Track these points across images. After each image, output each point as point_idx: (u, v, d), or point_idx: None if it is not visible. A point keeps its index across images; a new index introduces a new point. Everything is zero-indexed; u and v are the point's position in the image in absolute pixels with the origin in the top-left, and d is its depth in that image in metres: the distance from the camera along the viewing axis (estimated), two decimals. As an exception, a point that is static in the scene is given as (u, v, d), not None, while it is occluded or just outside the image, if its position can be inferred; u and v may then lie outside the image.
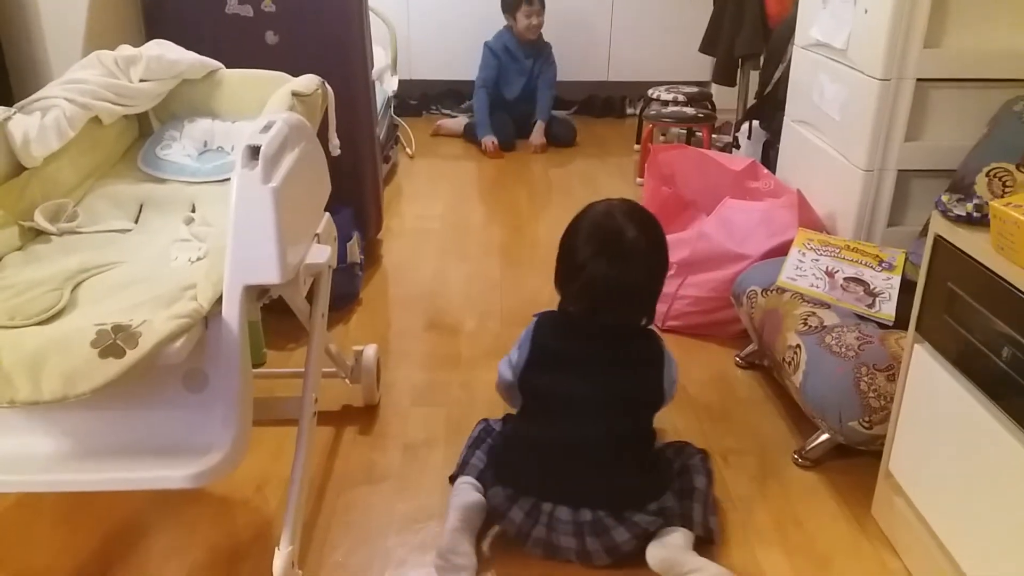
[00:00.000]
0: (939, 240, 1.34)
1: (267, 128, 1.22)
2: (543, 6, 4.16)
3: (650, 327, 1.53)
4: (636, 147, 4.08)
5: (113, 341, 1.03)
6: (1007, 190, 1.76)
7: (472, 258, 2.85)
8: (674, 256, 2.36)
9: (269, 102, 1.58)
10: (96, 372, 1.01)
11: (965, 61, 1.92)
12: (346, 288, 2.41)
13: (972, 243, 1.26)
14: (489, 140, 4.06)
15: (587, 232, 1.44)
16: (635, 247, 1.41)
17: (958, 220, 1.30)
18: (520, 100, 4.24)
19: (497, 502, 1.45)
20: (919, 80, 1.93)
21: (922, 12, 1.86)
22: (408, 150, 4.09)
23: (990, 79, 1.93)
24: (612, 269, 1.40)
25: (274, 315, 1.48)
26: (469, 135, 4.26)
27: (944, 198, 1.34)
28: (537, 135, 4.13)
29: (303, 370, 1.50)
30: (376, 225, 2.78)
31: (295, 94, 1.54)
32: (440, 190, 3.59)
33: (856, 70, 2.06)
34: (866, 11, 1.99)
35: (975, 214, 1.29)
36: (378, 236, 2.86)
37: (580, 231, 1.45)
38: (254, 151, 1.15)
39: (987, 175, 1.80)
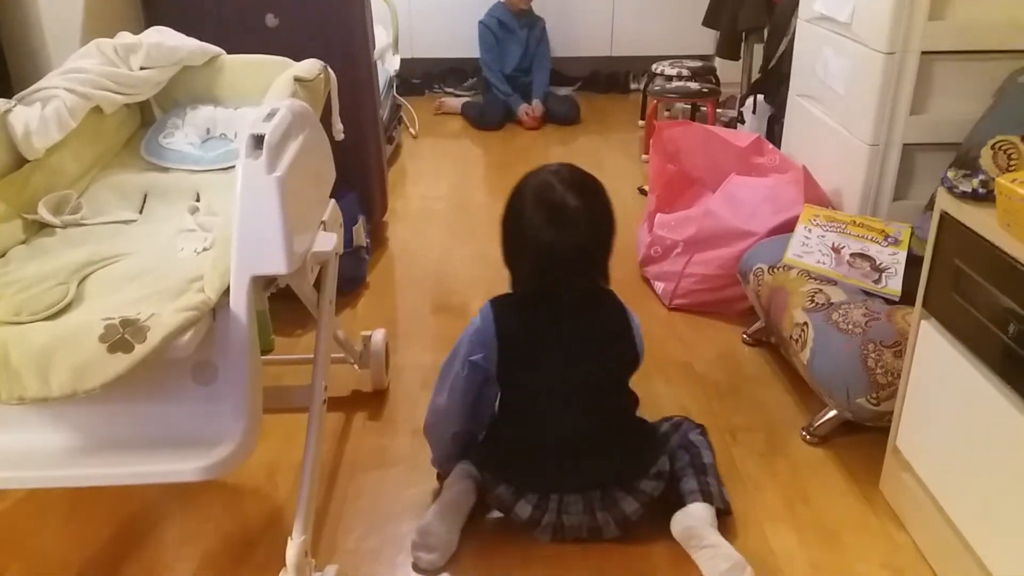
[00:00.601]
0: (945, 216, 1.34)
1: (270, 116, 1.21)
2: None
3: (608, 288, 1.48)
4: (640, 123, 4.06)
5: (121, 335, 1.03)
6: (1012, 163, 1.74)
7: (477, 238, 2.85)
8: (680, 234, 2.36)
9: (271, 88, 1.58)
10: (105, 367, 1.02)
11: (970, 33, 1.90)
12: (353, 272, 2.42)
13: (978, 219, 1.25)
14: (524, 109, 4.10)
15: (531, 204, 1.39)
16: (579, 212, 1.36)
17: (964, 197, 1.29)
18: (519, 71, 4.22)
19: (503, 499, 1.46)
20: (924, 53, 1.91)
21: (927, -17, 1.84)
22: (411, 130, 4.08)
23: (995, 50, 1.91)
24: (561, 237, 1.36)
25: (281, 300, 1.49)
26: (467, 114, 4.24)
27: (950, 174, 1.33)
28: (534, 108, 4.12)
29: (312, 356, 1.50)
30: (381, 207, 2.77)
31: (297, 79, 1.53)
32: (444, 169, 3.58)
33: (861, 43, 2.04)
34: (870, -17, 1.97)
35: (981, 190, 1.28)
36: (383, 218, 2.86)
37: (524, 204, 1.40)
38: (258, 140, 1.15)
39: (992, 148, 1.78)
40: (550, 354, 1.43)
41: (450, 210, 3.12)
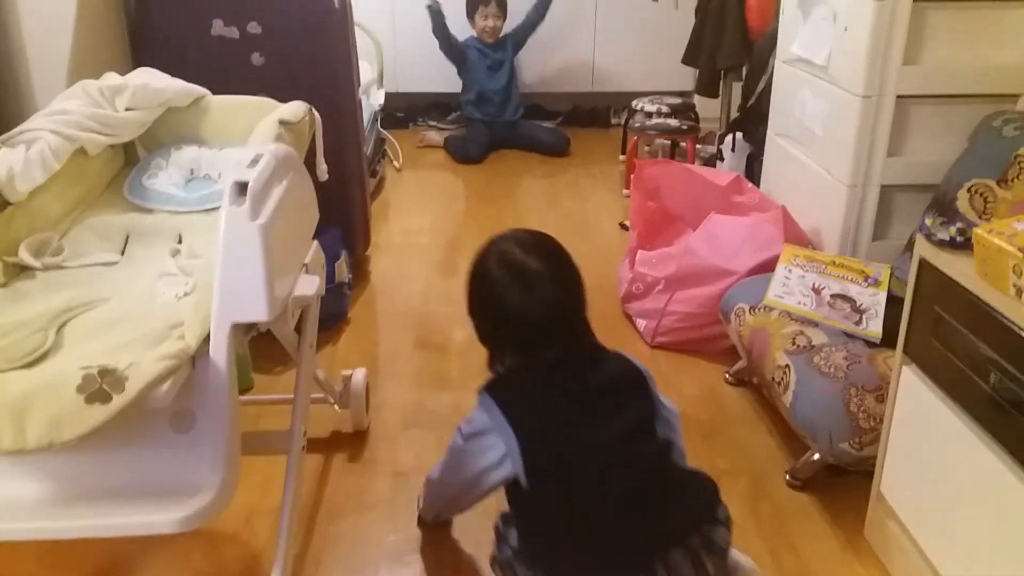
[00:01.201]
0: (924, 263, 1.35)
1: (254, 162, 1.21)
2: (501, 9, 4.19)
3: (596, 341, 1.38)
4: (621, 157, 4.09)
5: (99, 386, 1.02)
6: (988, 206, 1.77)
7: (461, 272, 2.81)
8: (662, 271, 2.38)
9: (256, 130, 1.58)
10: (82, 418, 1.01)
11: (944, 77, 1.93)
12: (334, 308, 2.41)
13: (956, 267, 1.27)
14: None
15: (495, 274, 1.34)
16: (543, 273, 1.31)
17: (942, 244, 1.31)
18: (500, 99, 4.25)
19: None
20: (899, 96, 1.95)
21: (900, 30, 1.88)
22: (395, 163, 4.09)
23: (969, 94, 1.94)
24: (533, 299, 1.29)
25: (261, 337, 1.47)
26: (450, 148, 4.26)
27: (928, 221, 1.35)
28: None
29: (291, 396, 1.49)
30: (364, 242, 2.77)
31: (282, 122, 1.54)
32: (427, 203, 3.59)
33: (837, 86, 2.07)
34: (846, 29, 2.01)
35: (958, 238, 1.30)
36: (366, 253, 2.85)
37: (488, 276, 1.35)
38: (241, 187, 1.15)
39: (968, 191, 1.81)
40: (572, 424, 1.27)
41: (433, 244, 3.12)
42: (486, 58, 4.25)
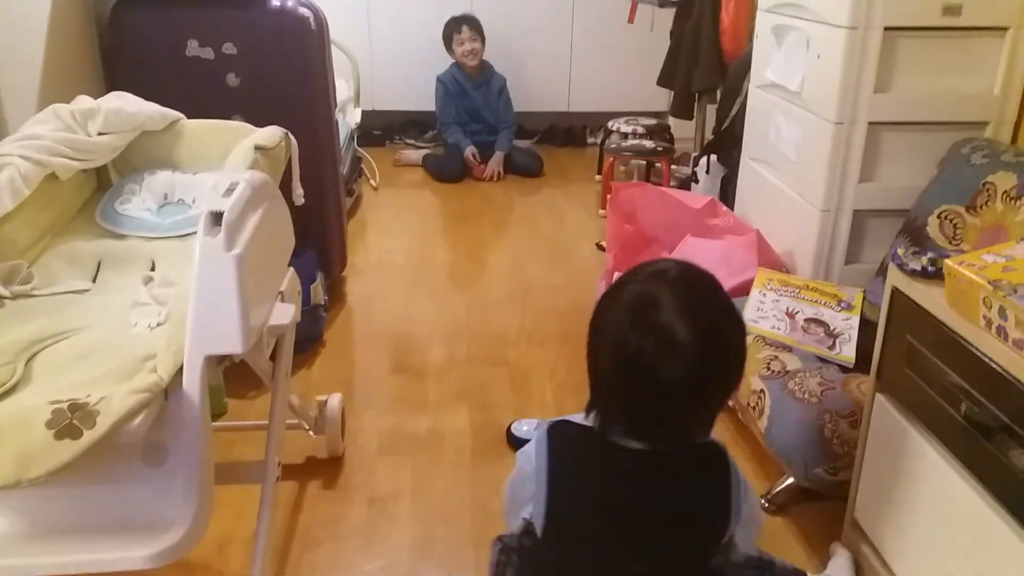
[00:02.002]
0: (896, 292, 1.37)
1: (230, 191, 1.21)
2: (478, 33, 4.22)
3: (714, 442, 1.08)
4: (598, 177, 4.11)
5: (69, 421, 1.01)
6: (958, 232, 1.81)
7: (438, 293, 2.85)
8: (637, 294, 2.38)
9: (231, 156, 1.57)
10: (51, 455, 0.99)
11: (914, 105, 1.96)
12: (309, 331, 2.39)
13: (928, 297, 1.29)
14: (470, 150, 4.15)
15: (626, 325, 0.99)
16: (690, 345, 0.95)
17: (914, 274, 1.32)
18: (477, 127, 4.27)
19: None
20: (871, 123, 1.97)
21: (872, 58, 1.90)
22: (372, 181, 4.08)
23: (939, 122, 1.98)
24: (664, 366, 0.96)
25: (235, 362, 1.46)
26: (428, 166, 4.27)
27: (900, 251, 1.37)
28: (493, 164, 4.15)
29: (265, 422, 1.48)
30: (340, 263, 2.76)
31: (258, 147, 1.53)
32: (404, 222, 3.58)
33: (810, 112, 2.09)
34: (818, 56, 2.03)
35: (930, 268, 1.31)
36: (342, 274, 2.84)
37: (616, 320, 1.01)
38: (216, 217, 1.14)
39: (938, 217, 1.85)
40: (615, 531, 1.05)
41: (410, 263, 3.11)
42: (465, 93, 4.27)
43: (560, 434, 1.08)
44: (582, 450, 1.07)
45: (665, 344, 0.95)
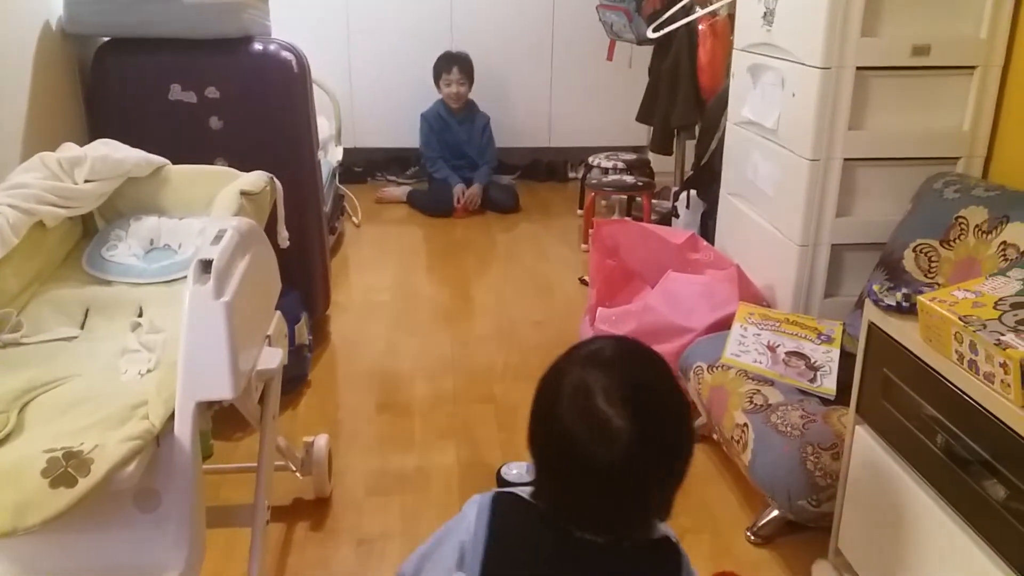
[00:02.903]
0: (873, 328, 1.40)
1: (218, 239, 1.23)
2: (466, 75, 4.29)
3: (666, 539, 1.00)
4: (579, 212, 4.16)
5: (64, 469, 1.01)
6: (933, 265, 1.85)
7: (422, 331, 2.86)
8: (621, 328, 2.41)
9: (217, 201, 1.60)
10: (47, 503, 1.00)
11: (888, 141, 2.02)
12: (295, 371, 2.40)
13: (903, 332, 1.32)
14: (459, 188, 4.18)
15: (567, 414, 0.92)
16: (629, 433, 0.88)
17: (888, 310, 1.36)
18: (458, 162, 4.32)
19: None
20: (846, 160, 2.02)
21: (845, 97, 1.96)
22: (354, 219, 4.10)
23: (911, 158, 2.03)
24: (605, 453, 0.89)
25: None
26: (414, 202, 4.31)
27: (876, 288, 1.40)
28: (470, 193, 4.19)
29: (252, 465, 1.48)
30: (324, 302, 2.77)
31: (244, 193, 1.55)
32: (387, 258, 3.60)
33: (787, 149, 2.14)
34: (793, 95, 2.09)
35: (904, 304, 1.35)
36: (326, 312, 2.85)
37: (556, 418, 0.93)
38: (206, 265, 1.16)
39: (914, 251, 1.89)
40: None
41: (394, 301, 3.13)
42: (449, 129, 4.33)
43: (505, 507, 1.00)
44: (525, 531, 0.98)
45: (599, 431, 0.88)
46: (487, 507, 0.99)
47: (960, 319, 1.16)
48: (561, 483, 0.96)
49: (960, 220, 1.80)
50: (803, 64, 2.02)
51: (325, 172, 3.22)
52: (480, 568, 0.95)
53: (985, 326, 1.14)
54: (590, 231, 2.85)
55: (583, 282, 3.25)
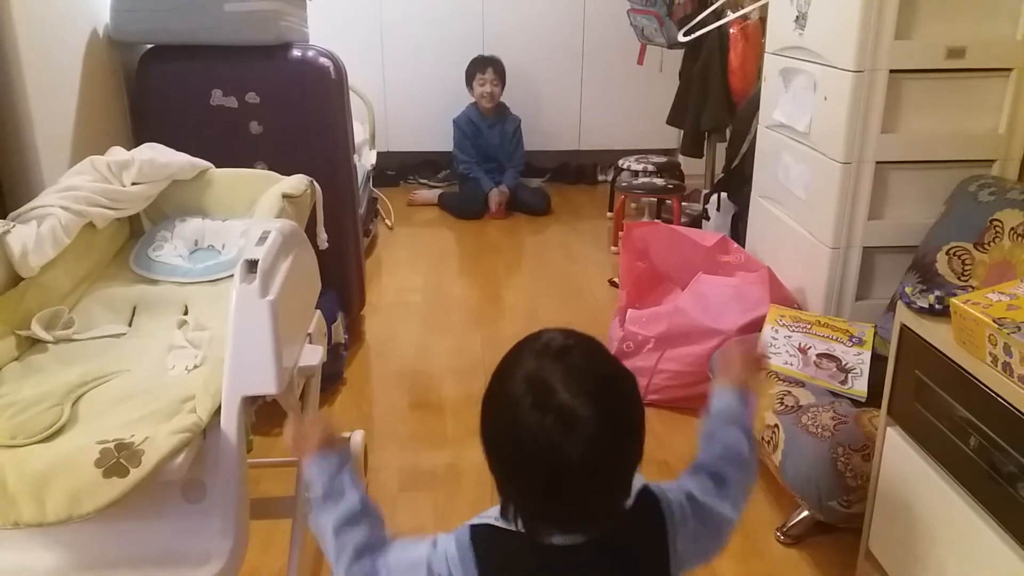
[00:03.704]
0: (905, 330, 1.41)
1: (262, 239, 1.27)
2: (499, 76, 4.33)
3: (640, 494, 1.00)
4: (609, 214, 4.17)
5: (117, 460, 1.06)
6: (967, 268, 1.85)
7: (454, 331, 2.90)
8: (652, 330, 2.43)
9: (259, 203, 1.64)
10: (100, 492, 1.04)
11: (921, 144, 2.02)
12: (331, 369, 2.44)
13: (936, 334, 1.33)
14: (496, 191, 4.20)
15: (525, 408, 0.89)
16: (592, 421, 0.87)
17: (922, 312, 1.37)
18: (488, 172, 4.35)
19: None
20: (879, 163, 2.03)
21: (878, 100, 1.96)
22: (387, 221, 4.16)
23: (945, 160, 2.03)
24: (571, 445, 0.87)
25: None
26: (446, 204, 4.36)
27: (908, 289, 1.41)
28: (497, 195, 4.23)
29: (290, 459, 1.52)
30: (359, 302, 2.82)
31: (285, 196, 1.60)
32: (419, 260, 3.65)
33: (819, 152, 2.15)
34: (825, 98, 2.10)
35: (937, 306, 1.36)
36: (361, 312, 2.90)
37: (512, 422, 0.90)
38: (252, 265, 1.20)
39: (947, 253, 1.89)
40: None
41: (426, 302, 3.17)
42: (481, 133, 4.38)
43: (486, 541, 0.96)
44: (511, 560, 0.96)
45: (566, 423, 0.87)
46: (467, 545, 0.95)
47: (994, 321, 1.17)
48: (529, 487, 0.92)
49: (995, 223, 1.80)
50: (836, 68, 2.03)
51: (360, 175, 3.27)
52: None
53: (1020, 328, 1.15)
54: (620, 233, 2.87)
55: (613, 284, 3.26)
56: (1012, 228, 1.75)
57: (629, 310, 2.57)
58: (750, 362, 1.16)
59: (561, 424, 0.87)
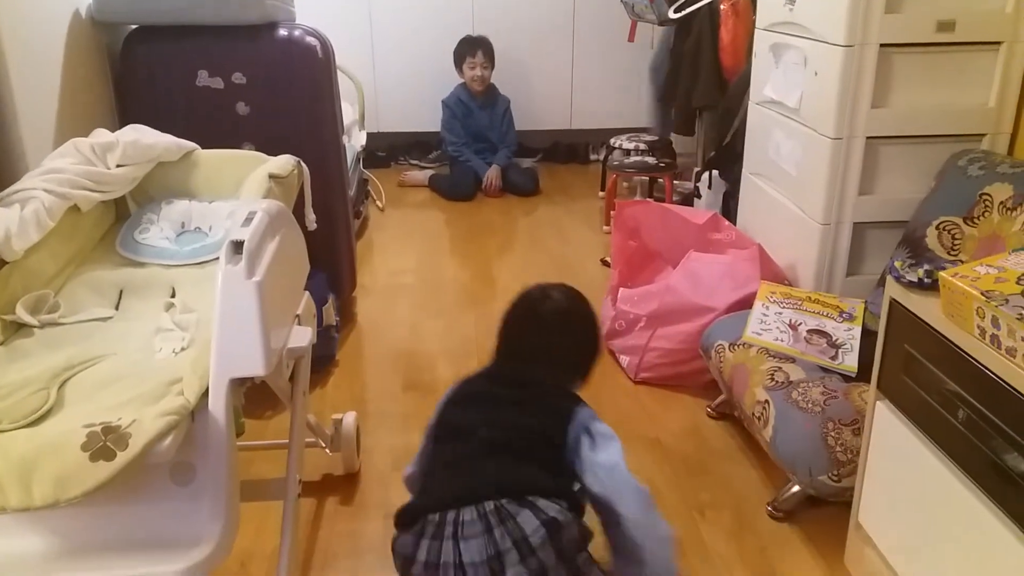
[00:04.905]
0: (894, 304, 1.41)
1: (248, 220, 1.26)
2: (488, 58, 4.29)
3: (571, 395, 1.46)
4: (601, 194, 4.16)
5: (103, 443, 1.05)
6: (956, 243, 1.85)
7: (446, 312, 2.89)
8: (643, 308, 2.43)
9: (246, 184, 1.63)
10: (87, 476, 1.03)
11: (911, 119, 2.01)
12: (322, 351, 2.44)
13: (924, 308, 1.33)
14: (494, 171, 4.20)
15: (522, 305, 1.56)
16: (557, 313, 1.53)
17: (911, 286, 1.36)
18: (481, 146, 4.33)
19: (404, 551, 1.29)
20: (869, 138, 2.02)
21: (868, 75, 1.95)
22: (378, 203, 4.14)
23: (935, 135, 2.02)
24: (533, 330, 1.53)
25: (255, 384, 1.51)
26: (436, 186, 4.34)
27: (897, 264, 1.41)
28: (491, 173, 4.22)
29: (282, 441, 1.52)
30: (350, 284, 2.81)
31: (272, 176, 1.58)
32: (411, 242, 3.64)
33: (809, 128, 2.14)
34: (816, 73, 2.09)
35: (926, 280, 1.35)
36: (352, 295, 2.89)
37: (516, 307, 1.56)
38: (237, 246, 1.19)
39: (937, 228, 1.89)
40: (488, 403, 1.42)
41: (418, 283, 3.16)
42: (471, 114, 4.34)
43: (466, 379, 1.51)
44: (476, 374, 1.51)
45: (544, 294, 1.55)
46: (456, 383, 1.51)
47: (982, 294, 1.17)
48: (509, 326, 1.54)
49: (984, 197, 1.80)
50: (826, 42, 2.02)
51: (349, 156, 3.25)
52: (443, 400, 1.48)
53: (1008, 301, 1.15)
54: (612, 213, 2.86)
55: (605, 263, 3.26)
56: (1001, 202, 1.75)
57: (621, 289, 2.57)
58: None
59: (542, 294, 1.56)
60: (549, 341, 1.51)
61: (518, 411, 1.39)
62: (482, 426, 1.36)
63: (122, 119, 2.23)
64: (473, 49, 4.27)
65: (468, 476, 1.33)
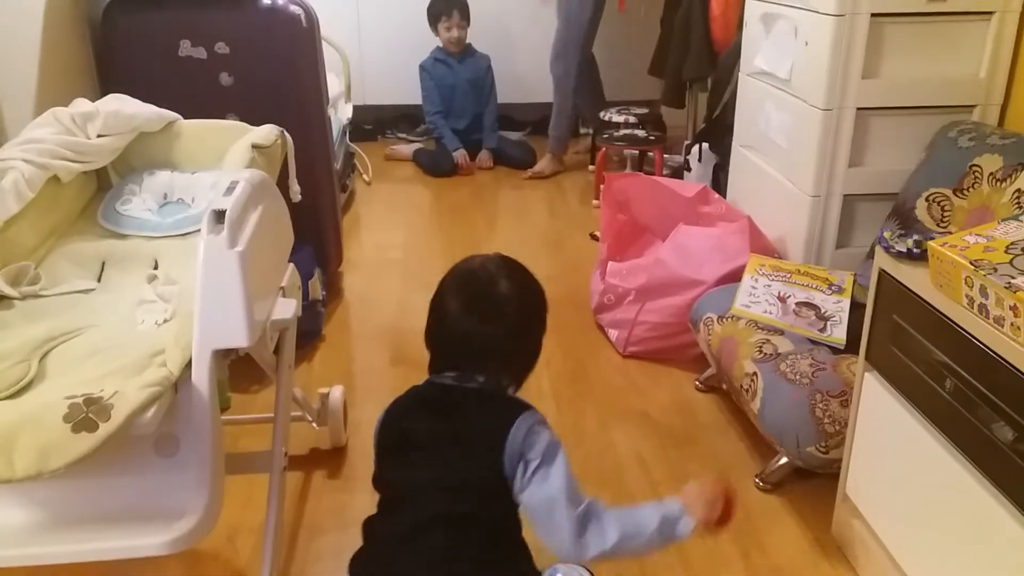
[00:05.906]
0: (883, 274, 1.40)
1: (230, 190, 1.24)
2: (464, 18, 4.21)
3: (514, 396, 1.27)
4: (591, 167, 4.14)
5: (85, 415, 1.04)
6: (946, 214, 1.84)
7: (434, 286, 2.85)
8: (632, 282, 2.42)
9: (228, 154, 1.61)
10: (69, 447, 1.02)
11: (902, 90, 2.00)
12: (309, 325, 2.42)
13: (913, 278, 1.32)
14: (460, 153, 4.14)
15: (455, 285, 1.30)
16: (503, 299, 1.25)
17: (899, 256, 1.36)
18: (463, 113, 4.29)
19: None
20: (859, 109, 2.00)
21: (859, 45, 1.94)
22: (365, 176, 4.10)
23: (926, 106, 2.01)
24: (474, 321, 1.24)
25: (238, 357, 1.48)
26: (419, 161, 4.30)
27: (887, 234, 1.40)
28: (482, 158, 4.20)
29: (269, 415, 1.51)
30: (337, 258, 2.79)
31: (255, 146, 1.56)
32: (398, 216, 3.61)
33: (800, 99, 2.12)
34: (807, 44, 2.07)
35: (915, 250, 1.35)
36: (339, 269, 2.87)
37: (448, 285, 1.31)
38: (219, 215, 1.17)
39: (927, 200, 1.88)
40: (419, 451, 1.23)
41: (405, 257, 3.14)
42: (450, 69, 4.28)
43: (402, 395, 1.32)
44: (406, 400, 1.31)
45: (485, 293, 1.27)
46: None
47: (971, 263, 1.16)
48: (437, 319, 1.30)
49: (974, 168, 1.79)
50: (816, 12, 1.99)
51: (335, 129, 3.21)
52: (377, 433, 1.29)
53: (996, 270, 1.14)
54: (601, 186, 2.84)
55: (594, 237, 3.24)
56: (991, 173, 1.74)
57: (610, 263, 2.56)
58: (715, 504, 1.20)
59: (478, 273, 1.31)
60: (487, 334, 1.24)
61: (449, 459, 1.18)
62: (414, 493, 1.19)
63: (103, 90, 2.18)
64: (449, 8, 4.17)
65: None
